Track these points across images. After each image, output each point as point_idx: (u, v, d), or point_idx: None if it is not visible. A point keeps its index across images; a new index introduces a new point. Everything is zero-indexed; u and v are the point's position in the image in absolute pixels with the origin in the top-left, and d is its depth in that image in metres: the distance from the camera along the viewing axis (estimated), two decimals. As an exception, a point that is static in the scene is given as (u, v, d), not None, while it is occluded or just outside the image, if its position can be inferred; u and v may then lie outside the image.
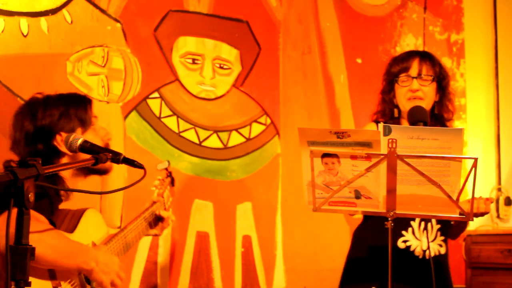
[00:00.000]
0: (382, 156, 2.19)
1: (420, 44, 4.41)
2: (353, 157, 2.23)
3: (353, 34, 4.14)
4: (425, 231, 2.71)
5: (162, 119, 3.38)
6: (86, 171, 2.40)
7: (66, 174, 2.34)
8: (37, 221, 2.02)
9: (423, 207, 2.28)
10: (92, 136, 2.36)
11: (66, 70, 3.07)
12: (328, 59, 4.03)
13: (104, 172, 2.39)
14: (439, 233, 2.76)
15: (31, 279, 1.57)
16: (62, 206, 2.34)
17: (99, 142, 2.37)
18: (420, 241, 2.71)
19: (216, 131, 3.56)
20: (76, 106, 2.38)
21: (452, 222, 2.81)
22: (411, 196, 2.25)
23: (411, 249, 2.71)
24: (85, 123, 2.38)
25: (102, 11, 3.20)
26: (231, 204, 3.57)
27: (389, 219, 2.27)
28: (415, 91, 2.74)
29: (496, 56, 4.66)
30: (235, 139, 3.61)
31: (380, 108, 2.87)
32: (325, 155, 2.25)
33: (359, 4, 4.20)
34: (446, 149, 2.19)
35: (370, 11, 4.25)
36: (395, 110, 2.81)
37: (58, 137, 2.31)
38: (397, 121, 2.81)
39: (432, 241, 2.74)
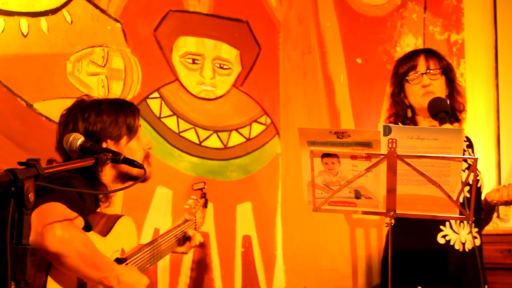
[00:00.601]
0: (382, 156, 2.20)
1: (420, 44, 4.42)
2: (353, 157, 2.23)
3: (353, 34, 4.14)
4: (461, 224, 2.72)
5: (162, 119, 3.38)
6: (126, 178, 2.42)
7: (107, 180, 2.37)
8: (71, 224, 2.02)
9: (423, 207, 2.28)
10: (136, 145, 2.41)
11: (66, 70, 3.07)
12: (328, 59, 4.03)
13: (143, 180, 2.37)
14: (473, 225, 2.77)
15: None
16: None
17: (141, 151, 2.43)
18: (458, 234, 2.72)
19: (216, 131, 3.56)
20: (125, 114, 2.42)
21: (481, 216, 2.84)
22: (411, 196, 2.25)
23: (451, 243, 2.71)
24: (131, 132, 2.41)
25: (102, 11, 3.20)
26: (231, 204, 3.57)
27: (389, 219, 2.28)
28: (427, 85, 2.77)
29: (496, 56, 4.66)
30: (235, 139, 3.61)
31: (393, 110, 2.88)
32: (325, 155, 2.25)
33: (359, 4, 4.20)
34: (446, 149, 2.19)
35: (370, 11, 4.25)
36: (408, 110, 2.83)
37: (104, 145, 2.33)
38: (413, 120, 2.82)
39: (468, 233, 2.74)
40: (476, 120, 4.54)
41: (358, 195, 2.29)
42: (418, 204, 2.27)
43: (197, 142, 3.49)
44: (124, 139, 2.38)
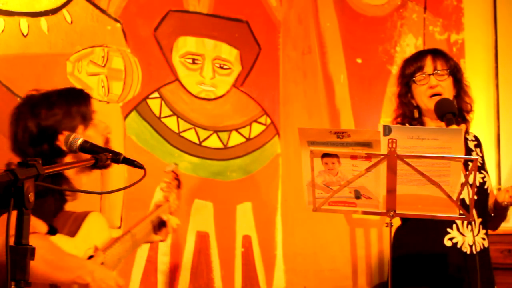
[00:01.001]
0: (382, 156, 2.20)
1: (420, 44, 4.42)
2: (353, 157, 2.23)
3: (353, 34, 4.14)
4: (469, 226, 2.71)
5: (162, 119, 3.38)
6: (89, 168, 2.35)
7: (69, 173, 2.33)
8: (32, 233, 1.98)
9: (423, 207, 2.28)
10: (93, 133, 2.35)
11: (66, 70, 3.07)
12: (328, 59, 4.03)
13: (105, 166, 2.37)
14: (481, 226, 2.76)
15: None
16: (69, 205, 2.33)
17: (99, 138, 2.37)
18: (465, 236, 2.71)
19: (216, 131, 3.56)
20: (78, 103, 2.36)
21: (492, 214, 2.83)
22: (411, 196, 2.25)
23: (458, 245, 2.70)
24: (86, 120, 2.36)
25: (102, 11, 3.20)
26: (231, 204, 3.57)
27: (389, 219, 2.28)
28: (434, 87, 2.75)
29: (496, 56, 4.66)
30: (235, 139, 3.61)
31: (400, 111, 2.87)
32: (325, 155, 2.25)
33: (359, 4, 4.20)
34: (446, 149, 2.19)
35: (370, 11, 4.25)
36: (415, 111, 2.82)
37: (60, 137, 2.29)
38: (420, 120, 2.82)
39: (476, 235, 2.74)
40: (476, 120, 4.52)
41: (358, 195, 2.29)
42: (418, 204, 2.27)
43: (197, 142, 3.49)
44: (80, 129, 2.33)
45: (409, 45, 4.34)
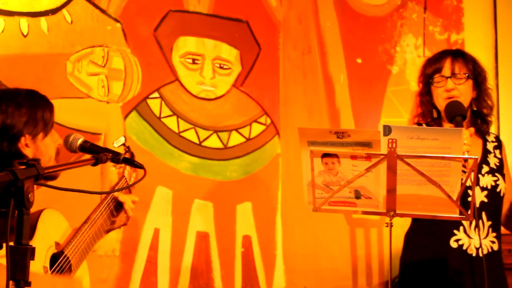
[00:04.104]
0: (382, 156, 2.20)
1: (420, 44, 4.41)
2: (353, 157, 2.23)
3: (353, 34, 4.14)
4: (477, 229, 2.70)
5: (162, 119, 3.38)
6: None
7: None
8: None
9: (423, 207, 2.28)
10: (50, 141, 2.28)
11: (66, 70, 3.07)
12: (328, 59, 4.03)
13: (54, 178, 2.27)
14: (490, 229, 2.74)
15: None
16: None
17: (53, 147, 2.29)
18: (472, 239, 2.70)
19: (216, 131, 3.56)
20: (42, 109, 2.29)
21: (507, 213, 2.82)
22: (411, 196, 2.25)
23: (464, 247, 2.70)
24: (47, 127, 2.29)
25: (102, 11, 3.20)
26: (231, 204, 3.57)
27: (389, 219, 2.28)
28: (450, 90, 2.74)
29: (496, 56, 4.66)
30: (235, 139, 3.61)
31: (420, 110, 2.87)
32: (325, 155, 2.25)
33: (359, 4, 4.20)
34: (446, 149, 2.19)
35: (370, 11, 4.25)
36: (434, 111, 2.81)
37: (22, 139, 2.22)
38: (438, 121, 2.81)
39: (485, 238, 2.72)
40: (476, 120, 4.54)
41: (358, 195, 2.29)
42: (418, 204, 2.27)
43: (197, 142, 3.49)
44: (40, 135, 2.26)
45: (409, 45, 4.34)
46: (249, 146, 3.66)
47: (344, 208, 2.34)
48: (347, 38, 4.11)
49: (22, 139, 2.23)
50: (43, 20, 3.00)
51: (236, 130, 3.62)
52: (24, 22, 2.95)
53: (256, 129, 3.70)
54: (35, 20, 2.98)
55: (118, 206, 2.48)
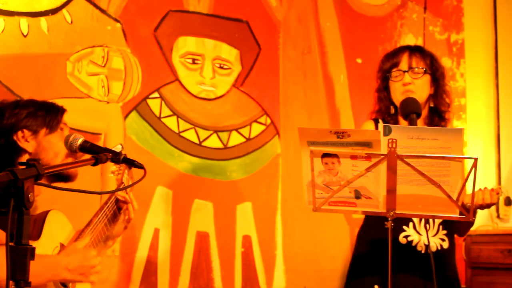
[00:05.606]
0: (382, 156, 2.20)
1: (420, 44, 4.41)
2: (353, 157, 2.23)
3: (353, 34, 4.14)
4: (427, 225, 2.70)
5: (162, 119, 3.38)
6: (52, 178, 2.30)
7: None
8: None
9: (423, 207, 2.28)
10: (56, 140, 2.32)
11: (66, 70, 3.07)
12: (328, 59, 4.03)
13: (70, 179, 2.31)
14: (441, 227, 2.75)
15: None
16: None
17: (62, 146, 2.29)
18: (421, 235, 2.70)
19: (216, 131, 3.56)
20: (46, 110, 2.34)
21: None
22: (411, 196, 2.25)
23: (413, 244, 2.70)
24: (51, 127, 2.33)
25: (102, 11, 3.20)
26: (231, 204, 3.57)
27: (389, 219, 2.28)
28: (406, 84, 2.74)
29: (496, 56, 4.66)
30: (235, 139, 3.61)
31: (377, 106, 2.88)
32: (325, 155, 2.25)
33: (359, 4, 4.20)
34: (446, 149, 2.19)
35: (370, 11, 4.25)
36: (391, 107, 2.82)
37: (19, 133, 2.27)
38: (394, 117, 2.81)
39: (434, 235, 2.73)
40: (476, 120, 4.54)
41: (358, 195, 2.29)
42: (418, 204, 2.27)
43: (197, 142, 3.49)
44: (43, 131, 2.30)
45: (409, 45, 4.33)
46: (249, 146, 3.66)
47: (344, 208, 2.34)
48: (347, 38, 4.11)
49: (19, 133, 2.26)
50: (43, 20, 3.01)
51: (236, 130, 3.62)
52: (24, 22, 2.95)
53: (256, 129, 3.70)
54: (35, 20, 2.98)
55: (119, 209, 2.51)
